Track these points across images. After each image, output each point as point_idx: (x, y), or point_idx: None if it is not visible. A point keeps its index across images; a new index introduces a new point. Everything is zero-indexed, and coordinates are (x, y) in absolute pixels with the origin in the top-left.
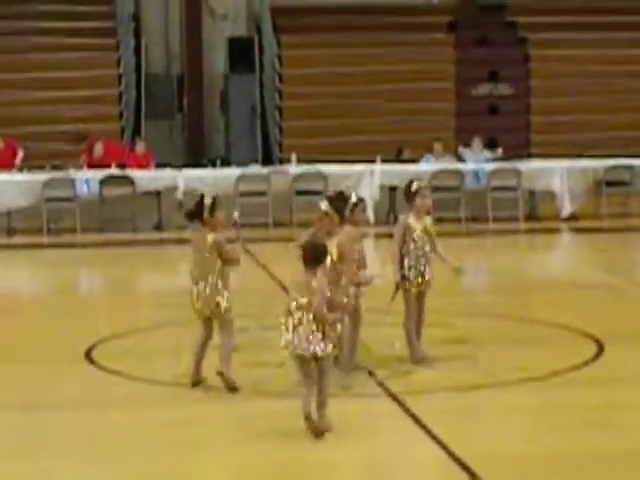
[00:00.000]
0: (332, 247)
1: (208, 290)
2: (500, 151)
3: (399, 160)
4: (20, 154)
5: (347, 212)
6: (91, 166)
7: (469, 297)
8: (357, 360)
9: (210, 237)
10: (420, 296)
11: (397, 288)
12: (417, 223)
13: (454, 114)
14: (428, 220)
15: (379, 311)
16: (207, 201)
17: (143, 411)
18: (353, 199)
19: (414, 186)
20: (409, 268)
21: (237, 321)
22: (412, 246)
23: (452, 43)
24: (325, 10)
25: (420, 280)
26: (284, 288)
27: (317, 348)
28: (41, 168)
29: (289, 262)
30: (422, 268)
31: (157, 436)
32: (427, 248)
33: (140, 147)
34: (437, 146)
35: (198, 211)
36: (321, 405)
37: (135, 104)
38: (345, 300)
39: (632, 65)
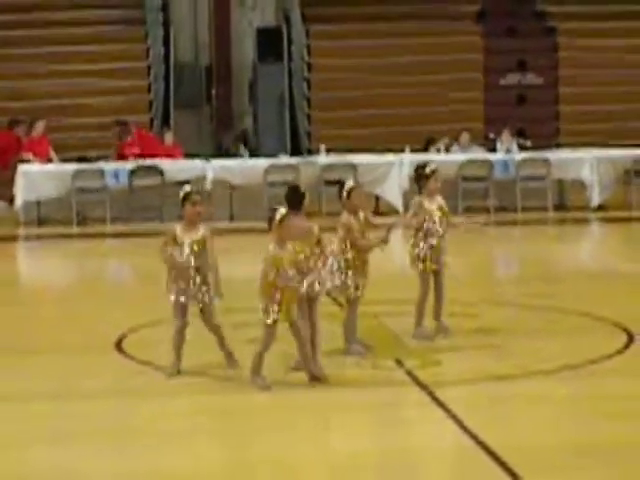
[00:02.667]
0: None
1: None
2: (529, 143)
3: (426, 150)
4: (52, 155)
5: (344, 198)
6: (122, 156)
7: (498, 287)
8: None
9: None
10: (437, 275)
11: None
12: (431, 204)
13: (482, 104)
14: (441, 200)
15: (408, 302)
16: (180, 193)
17: (172, 401)
18: (348, 184)
19: (428, 169)
20: (427, 248)
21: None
22: (428, 227)
23: (480, 33)
24: (353, 0)
25: (437, 259)
26: None
27: None
28: (73, 160)
29: None
30: (438, 248)
31: (185, 426)
32: (442, 228)
33: (169, 137)
34: (464, 136)
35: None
36: None
37: (164, 94)
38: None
39: None
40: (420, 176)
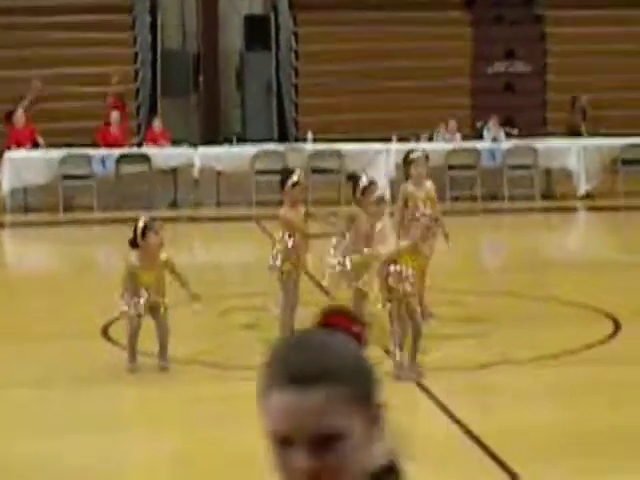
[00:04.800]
0: None
1: None
2: (516, 132)
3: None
4: (40, 141)
5: (358, 195)
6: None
7: (484, 276)
8: None
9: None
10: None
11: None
12: (418, 190)
13: (470, 92)
14: (430, 186)
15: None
16: (139, 224)
17: (159, 388)
18: (363, 181)
19: (411, 155)
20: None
21: (253, 299)
22: (414, 212)
23: (468, 21)
24: None
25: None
26: None
27: None
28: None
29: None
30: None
31: (173, 412)
32: (428, 213)
33: (157, 124)
34: (451, 124)
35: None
36: None
37: (151, 82)
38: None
39: None
40: (404, 162)
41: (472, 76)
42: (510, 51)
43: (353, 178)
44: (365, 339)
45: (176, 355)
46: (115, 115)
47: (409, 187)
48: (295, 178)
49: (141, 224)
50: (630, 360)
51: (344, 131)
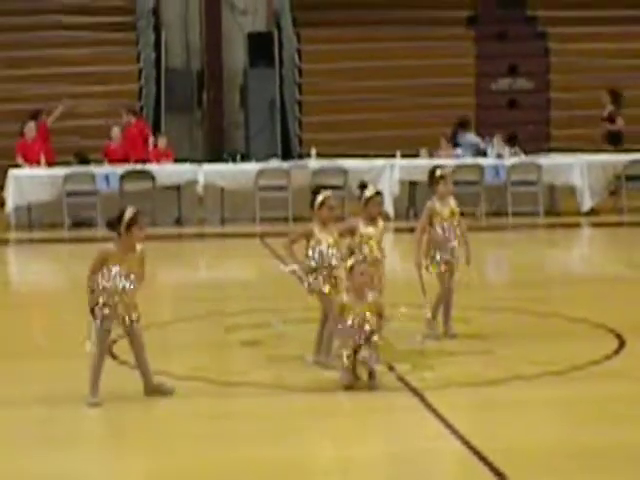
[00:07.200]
0: None
1: None
2: (520, 153)
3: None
4: (42, 162)
5: (362, 204)
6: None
7: (489, 292)
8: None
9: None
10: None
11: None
12: (443, 207)
13: (474, 108)
14: (453, 203)
15: (400, 306)
16: (127, 215)
17: (163, 405)
18: (369, 192)
19: (438, 172)
20: (434, 251)
21: (258, 316)
22: (438, 229)
23: (472, 37)
24: (344, 4)
25: (445, 262)
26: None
27: None
28: (65, 164)
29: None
30: (448, 251)
31: (177, 430)
32: (453, 231)
33: (162, 142)
34: (443, 142)
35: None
36: None
37: (155, 99)
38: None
39: None
40: (430, 179)
41: (476, 93)
42: (513, 68)
43: (362, 186)
44: None
45: (179, 372)
46: (115, 131)
47: (436, 204)
48: (321, 198)
49: (128, 215)
50: (635, 377)
51: (348, 148)
